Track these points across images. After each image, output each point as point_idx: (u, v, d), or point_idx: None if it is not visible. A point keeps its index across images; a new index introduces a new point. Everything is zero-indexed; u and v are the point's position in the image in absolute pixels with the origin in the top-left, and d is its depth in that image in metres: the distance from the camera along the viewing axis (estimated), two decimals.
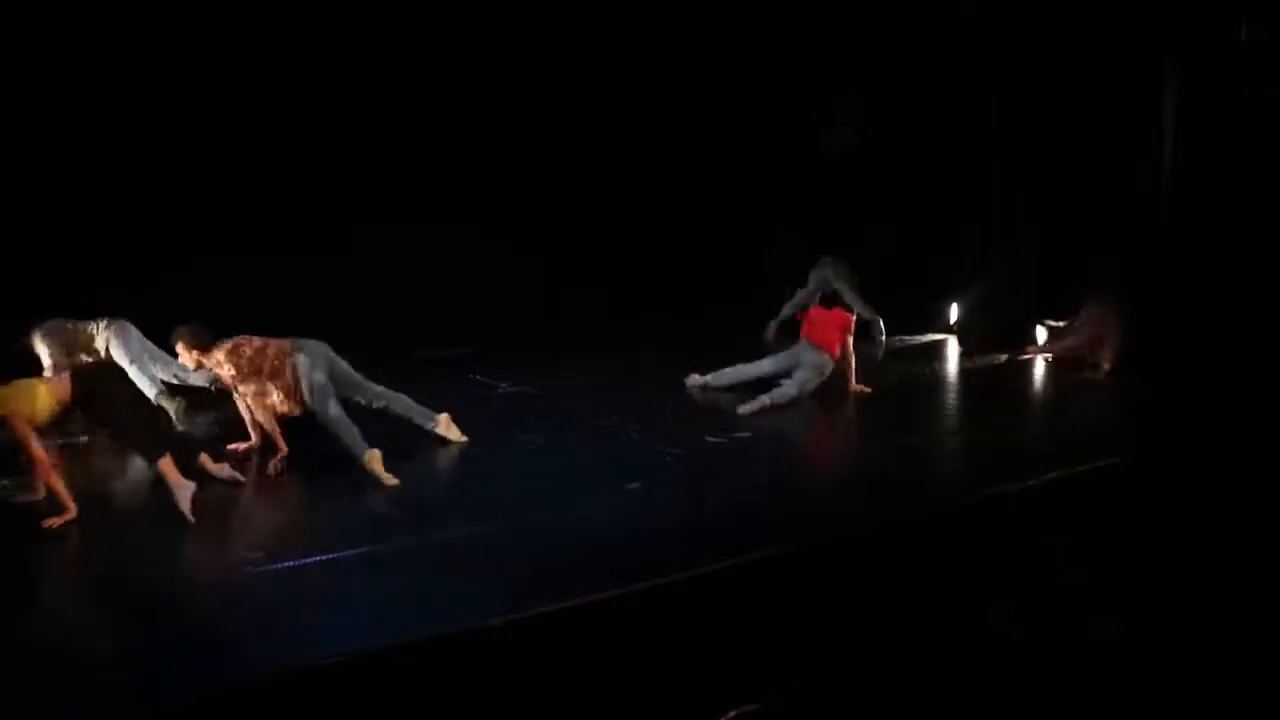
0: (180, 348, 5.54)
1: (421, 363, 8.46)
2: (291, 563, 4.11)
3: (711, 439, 6.07)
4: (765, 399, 6.81)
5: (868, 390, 7.35)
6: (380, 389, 5.82)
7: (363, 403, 5.70)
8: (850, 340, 7.23)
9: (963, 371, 8.67)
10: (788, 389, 6.92)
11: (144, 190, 7.91)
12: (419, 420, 5.94)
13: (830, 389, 7.25)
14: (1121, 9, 8.74)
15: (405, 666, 3.35)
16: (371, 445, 5.29)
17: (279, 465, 5.43)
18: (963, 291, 10.00)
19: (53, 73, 7.59)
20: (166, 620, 3.68)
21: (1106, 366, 7.89)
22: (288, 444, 5.52)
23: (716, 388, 7.32)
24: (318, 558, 4.15)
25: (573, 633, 3.64)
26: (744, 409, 6.71)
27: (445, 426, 6.01)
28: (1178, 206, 8.74)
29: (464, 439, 6.02)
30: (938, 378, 8.44)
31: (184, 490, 4.69)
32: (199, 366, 5.60)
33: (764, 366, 7.28)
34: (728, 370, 7.39)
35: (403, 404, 5.90)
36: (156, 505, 4.79)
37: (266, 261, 8.11)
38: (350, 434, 5.38)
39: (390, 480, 5.23)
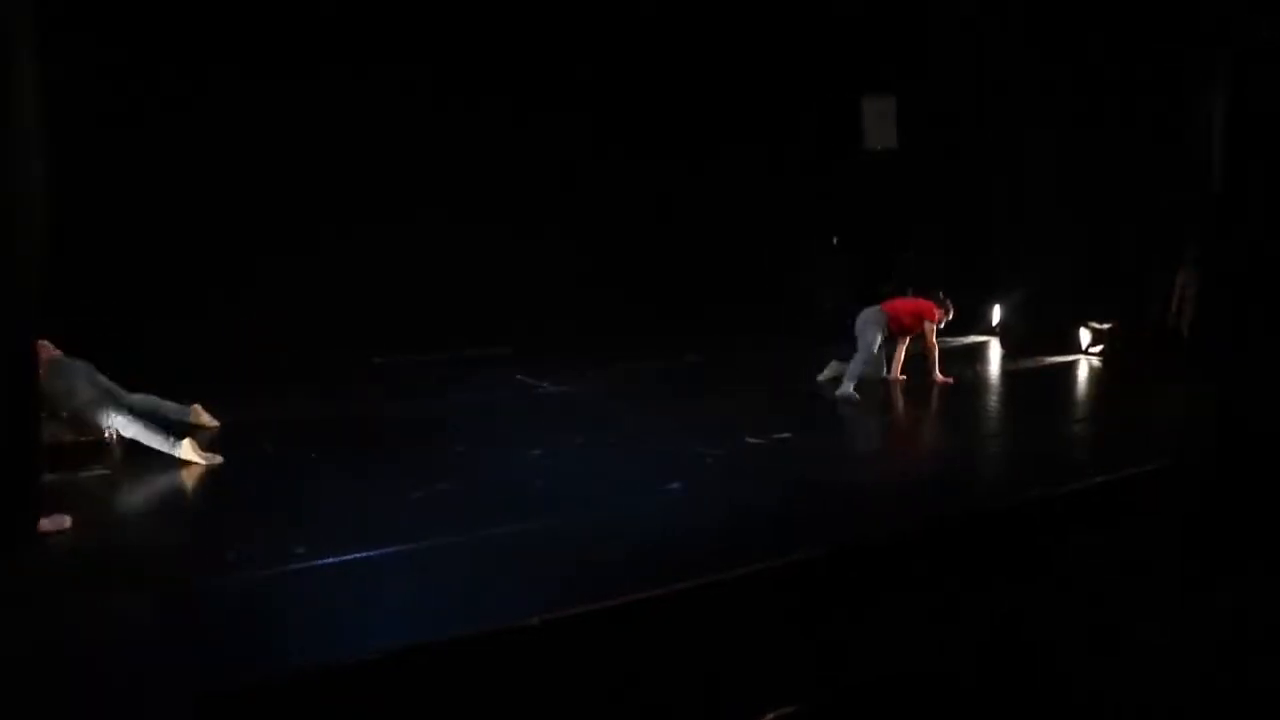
0: None
1: (463, 362, 8.53)
2: (332, 559, 4.14)
3: (751, 440, 6.05)
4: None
5: (950, 380, 7.59)
6: (132, 395, 5.93)
7: (122, 406, 5.78)
8: (933, 328, 7.50)
9: (1006, 373, 8.62)
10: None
11: (188, 185, 8.06)
12: (174, 415, 6.11)
13: (874, 388, 7.28)
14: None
15: (444, 664, 3.36)
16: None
17: None
18: (1005, 294, 9.90)
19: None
20: (207, 615, 3.72)
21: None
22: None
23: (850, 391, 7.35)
24: (358, 555, 4.18)
25: (611, 632, 3.63)
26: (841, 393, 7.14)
27: (197, 415, 6.25)
28: (1226, 211, 8.55)
29: (215, 423, 6.27)
30: (980, 379, 8.38)
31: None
32: None
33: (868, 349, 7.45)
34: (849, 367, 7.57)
35: (155, 404, 6.04)
36: (195, 500, 4.85)
37: (302, 261, 8.23)
38: (152, 435, 5.55)
39: (213, 460, 5.50)
